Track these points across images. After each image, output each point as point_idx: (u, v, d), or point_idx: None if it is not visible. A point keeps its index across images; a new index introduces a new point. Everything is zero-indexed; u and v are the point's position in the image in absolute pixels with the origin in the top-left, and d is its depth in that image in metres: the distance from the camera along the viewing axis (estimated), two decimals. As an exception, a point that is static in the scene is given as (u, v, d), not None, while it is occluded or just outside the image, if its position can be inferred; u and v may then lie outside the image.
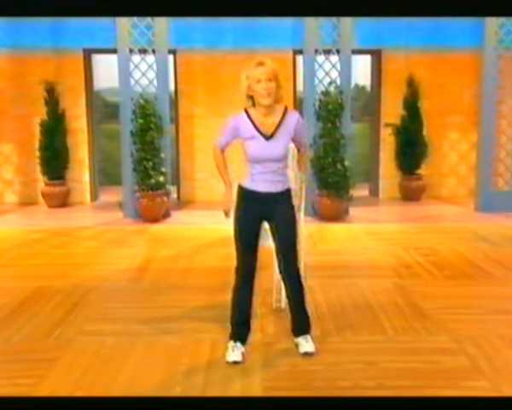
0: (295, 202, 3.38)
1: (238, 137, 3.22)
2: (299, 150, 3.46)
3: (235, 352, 3.30)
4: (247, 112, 3.19)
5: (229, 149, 3.34)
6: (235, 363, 3.24)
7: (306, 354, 3.32)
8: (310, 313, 3.49)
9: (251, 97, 3.14)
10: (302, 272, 4.22)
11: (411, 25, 8.28)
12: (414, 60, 8.40)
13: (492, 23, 7.23)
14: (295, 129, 3.21)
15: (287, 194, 3.29)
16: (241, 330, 3.38)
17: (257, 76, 3.05)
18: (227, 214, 3.31)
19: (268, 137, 3.14)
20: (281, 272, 3.39)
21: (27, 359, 3.37)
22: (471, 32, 8.06)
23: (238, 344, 3.34)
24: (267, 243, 3.49)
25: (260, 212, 3.25)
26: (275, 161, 3.17)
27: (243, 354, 3.32)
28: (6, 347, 3.54)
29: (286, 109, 3.21)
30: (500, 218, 7.12)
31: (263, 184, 3.20)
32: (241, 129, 3.17)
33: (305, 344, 3.36)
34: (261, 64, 3.07)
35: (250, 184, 3.22)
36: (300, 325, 3.43)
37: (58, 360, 3.31)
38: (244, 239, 3.27)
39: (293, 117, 3.21)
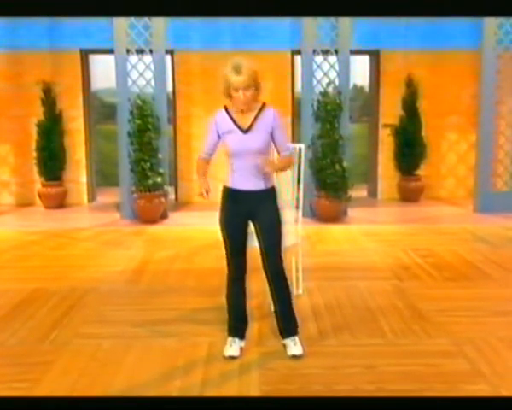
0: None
1: (219, 134, 3.25)
2: (278, 154, 3.36)
3: (232, 347, 3.36)
4: (225, 108, 3.26)
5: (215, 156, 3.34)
6: (232, 358, 3.30)
7: (294, 356, 3.30)
8: (296, 314, 3.44)
9: (229, 97, 3.18)
10: (300, 274, 4.20)
11: (410, 25, 8.26)
12: (412, 60, 8.37)
13: (491, 23, 7.21)
14: (272, 125, 3.20)
15: (270, 192, 3.27)
16: (237, 325, 3.43)
17: (234, 85, 3.07)
18: (206, 194, 3.15)
19: (245, 131, 3.18)
20: (265, 272, 3.35)
21: (22, 362, 3.33)
22: (470, 33, 8.04)
23: (236, 339, 3.39)
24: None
25: (244, 211, 3.26)
26: (254, 155, 3.16)
27: (241, 348, 3.38)
28: (1, 350, 3.49)
29: (263, 105, 3.23)
30: (499, 219, 7.10)
31: (245, 180, 3.21)
32: (220, 123, 3.24)
33: (293, 347, 3.34)
34: (238, 72, 3.04)
35: (232, 183, 3.24)
36: (288, 326, 3.40)
37: (54, 364, 3.28)
38: (231, 240, 3.29)
39: (270, 112, 3.22)
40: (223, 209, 3.30)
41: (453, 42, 8.33)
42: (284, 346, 3.39)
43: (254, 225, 3.30)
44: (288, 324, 3.40)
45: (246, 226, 3.31)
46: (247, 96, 3.10)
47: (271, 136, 3.24)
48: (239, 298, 3.42)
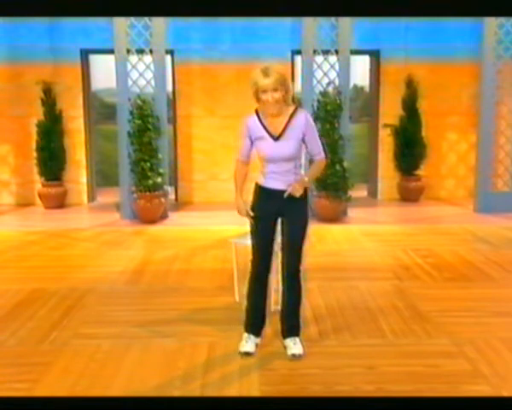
0: (296, 184, 3.28)
1: (251, 139, 3.29)
2: (311, 160, 3.38)
3: (248, 343, 3.37)
4: (257, 112, 3.26)
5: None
6: (247, 354, 3.32)
7: (294, 356, 3.29)
8: (301, 317, 3.45)
9: (260, 101, 3.18)
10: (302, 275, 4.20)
11: (410, 25, 8.26)
12: (412, 60, 8.36)
13: (491, 23, 7.20)
14: (303, 130, 3.21)
15: (302, 193, 3.27)
16: (254, 323, 3.44)
17: (263, 87, 3.10)
18: (247, 215, 3.33)
19: (276, 138, 3.20)
20: (282, 269, 3.40)
21: (22, 363, 3.32)
22: (470, 33, 8.03)
23: (251, 336, 3.41)
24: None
25: (275, 208, 3.29)
26: (286, 161, 3.21)
27: (257, 345, 3.40)
28: (1, 350, 3.49)
29: (295, 110, 3.23)
30: (499, 219, 7.09)
31: (276, 182, 3.24)
32: (251, 128, 3.26)
33: (293, 346, 3.33)
34: (266, 75, 3.08)
35: (264, 182, 3.29)
36: (290, 326, 3.41)
37: (53, 364, 3.27)
38: (259, 235, 3.33)
39: (302, 117, 3.21)
40: (254, 206, 3.33)
41: (453, 41, 8.32)
42: (285, 347, 3.38)
43: (282, 222, 3.33)
44: (290, 324, 3.41)
45: (275, 224, 3.34)
46: (276, 98, 3.10)
47: (303, 140, 3.24)
48: (259, 297, 3.42)
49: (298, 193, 3.21)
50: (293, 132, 3.19)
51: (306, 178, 3.29)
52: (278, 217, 3.33)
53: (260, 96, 3.13)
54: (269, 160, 3.23)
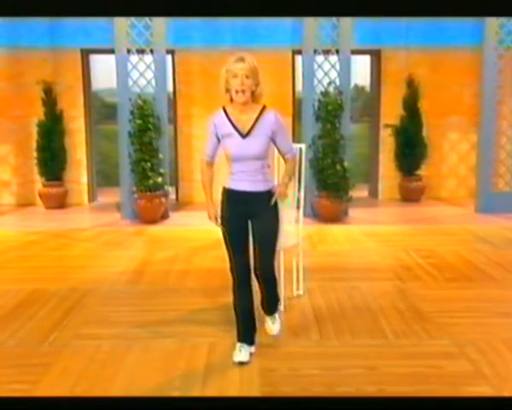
0: (280, 189, 3.23)
1: (218, 137, 3.21)
2: (283, 158, 3.34)
3: (241, 352, 3.30)
4: (224, 109, 3.19)
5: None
6: (241, 364, 3.24)
7: (270, 331, 3.48)
8: (280, 298, 3.66)
9: (228, 92, 3.11)
10: (301, 275, 4.19)
11: (411, 25, 8.24)
12: (413, 60, 8.35)
13: (493, 23, 7.18)
14: (272, 129, 3.14)
15: (269, 194, 3.20)
16: (245, 332, 3.37)
17: (234, 71, 3.02)
18: (217, 222, 3.29)
19: (244, 135, 3.12)
20: (255, 273, 3.29)
21: (22, 364, 3.31)
22: (471, 32, 8.02)
23: (245, 345, 3.33)
24: None
25: (243, 211, 3.22)
26: (253, 160, 3.13)
27: (251, 354, 3.34)
28: (0, 351, 3.48)
29: (264, 108, 3.16)
30: (500, 219, 7.07)
31: (243, 183, 3.17)
32: (218, 126, 3.17)
33: (272, 326, 3.48)
34: (241, 60, 3.04)
35: (231, 184, 3.21)
36: (270, 308, 3.47)
37: (53, 365, 3.26)
38: (232, 240, 3.25)
39: (270, 115, 3.14)
40: (222, 210, 3.26)
41: (454, 40, 8.31)
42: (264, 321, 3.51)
43: (252, 225, 3.25)
44: (270, 307, 3.46)
45: (246, 226, 3.26)
46: (247, 85, 3.03)
47: (273, 140, 3.19)
48: (246, 305, 3.34)
49: (285, 197, 3.21)
50: (262, 129, 3.12)
51: (286, 179, 3.26)
52: (248, 219, 3.24)
53: (230, 83, 3.05)
54: (236, 158, 3.14)
